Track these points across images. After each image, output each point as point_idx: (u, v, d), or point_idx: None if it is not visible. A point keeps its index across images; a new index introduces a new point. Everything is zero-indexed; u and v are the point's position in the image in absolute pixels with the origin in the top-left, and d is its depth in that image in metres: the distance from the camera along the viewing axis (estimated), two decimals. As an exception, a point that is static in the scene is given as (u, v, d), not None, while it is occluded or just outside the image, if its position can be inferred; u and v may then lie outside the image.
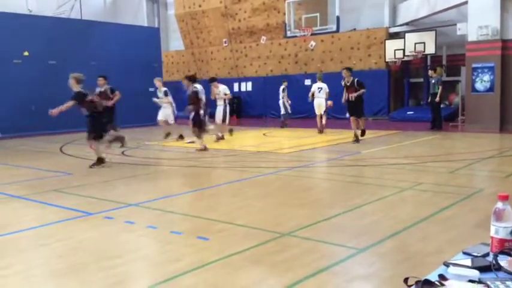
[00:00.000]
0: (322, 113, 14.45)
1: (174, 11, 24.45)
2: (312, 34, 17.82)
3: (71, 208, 5.73)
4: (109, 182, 7.71)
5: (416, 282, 1.49)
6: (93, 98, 8.75)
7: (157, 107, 13.55)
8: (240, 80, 22.88)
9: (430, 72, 15.02)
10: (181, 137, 13.00)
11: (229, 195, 6.58)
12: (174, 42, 25.70)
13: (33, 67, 16.21)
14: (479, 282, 1.48)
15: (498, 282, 1.46)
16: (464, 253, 1.79)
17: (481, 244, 1.84)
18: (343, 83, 11.90)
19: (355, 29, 19.40)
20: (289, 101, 16.73)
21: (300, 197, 6.19)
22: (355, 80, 11.62)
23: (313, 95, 14.50)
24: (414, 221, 4.80)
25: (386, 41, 18.05)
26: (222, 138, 13.09)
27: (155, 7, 25.45)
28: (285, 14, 18.65)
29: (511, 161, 8.95)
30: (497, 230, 1.70)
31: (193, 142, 11.43)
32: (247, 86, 22.71)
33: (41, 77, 16.14)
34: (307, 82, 19.40)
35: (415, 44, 17.05)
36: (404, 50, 17.32)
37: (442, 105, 15.32)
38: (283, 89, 16.67)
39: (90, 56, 17.61)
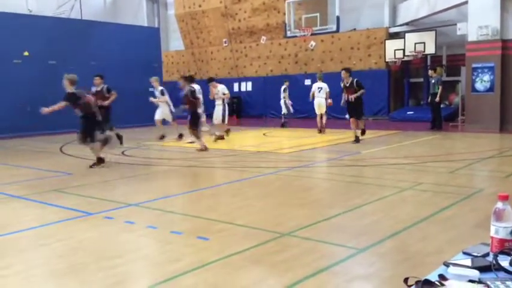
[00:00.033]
0: (323, 112, 14.45)
1: (174, 11, 24.45)
2: (312, 34, 17.82)
3: (71, 208, 5.73)
4: (109, 182, 7.71)
5: (416, 282, 1.49)
6: (88, 100, 8.65)
7: (156, 107, 13.54)
8: (240, 80, 22.88)
9: (430, 72, 15.02)
10: (180, 136, 12.98)
11: (229, 195, 6.58)
12: (174, 42, 25.70)
13: (33, 67, 16.21)
14: (479, 282, 1.48)
15: (498, 282, 1.46)
16: (464, 253, 1.79)
17: (481, 244, 1.84)
18: (342, 85, 11.87)
19: (355, 29, 19.40)
20: (290, 102, 16.75)
21: (300, 197, 6.19)
22: (354, 80, 11.58)
23: (313, 94, 14.51)
24: (414, 221, 4.80)
25: (387, 41, 18.05)
26: (222, 138, 13.09)
27: (155, 7, 25.45)
28: (285, 14, 18.65)
29: (511, 161, 8.95)
30: (497, 230, 1.70)
31: (193, 142, 11.43)
32: (247, 86, 22.71)
33: (41, 77, 16.13)
34: (307, 82, 19.41)
35: (415, 44, 17.05)
36: (404, 50, 17.32)
37: (442, 105, 15.33)
38: (285, 89, 16.68)
39: (90, 56, 17.62)
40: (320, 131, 14.43)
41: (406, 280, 1.53)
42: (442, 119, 14.77)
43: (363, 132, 11.89)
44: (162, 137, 13.00)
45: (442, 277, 1.52)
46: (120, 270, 3.74)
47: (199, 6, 23.16)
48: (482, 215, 4.72)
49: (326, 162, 9.70)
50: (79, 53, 17.49)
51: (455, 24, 14.99)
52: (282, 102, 16.78)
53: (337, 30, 17.22)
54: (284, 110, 16.78)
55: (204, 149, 10.73)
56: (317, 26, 17.30)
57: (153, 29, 22.67)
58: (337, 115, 17.35)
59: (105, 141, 9.06)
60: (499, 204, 1.70)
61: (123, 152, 11.03)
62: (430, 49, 16.91)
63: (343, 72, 11.79)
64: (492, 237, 1.72)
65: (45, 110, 8.42)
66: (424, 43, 16.90)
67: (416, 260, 3.74)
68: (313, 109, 14.79)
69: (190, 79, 13.09)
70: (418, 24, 17.81)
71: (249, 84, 22.63)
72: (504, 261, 1.59)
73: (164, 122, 13.59)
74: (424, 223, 4.76)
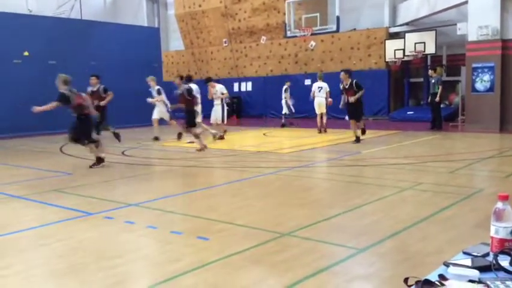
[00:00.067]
0: (323, 112, 14.46)
1: (174, 11, 24.45)
2: (312, 34, 17.82)
3: (71, 208, 5.73)
4: (109, 182, 7.71)
5: (416, 282, 1.49)
6: (78, 103, 8.58)
7: (154, 107, 13.51)
8: (240, 80, 22.88)
9: (430, 72, 15.02)
10: (179, 136, 12.96)
11: (229, 195, 6.58)
12: (174, 42, 25.71)
13: (33, 67, 16.20)
14: (479, 282, 1.48)
15: (498, 282, 1.46)
16: (464, 253, 1.79)
17: (481, 244, 1.84)
18: (341, 86, 11.83)
19: (355, 29, 19.40)
20: (291, 101, 16.74)
21: (300, 197, 6.19)
22: (354, 82, 11.55)
23: (314, 94, 14.52)
24: (414, 221, 4.80)
25: (387, 41, 18.05)
26: (223, 138, 13.09)
27: (155, 7, 25.45)
28: (285, 14, 18.65)
29: (511, 161, 8.95)
30: (497, 230, 1.70)
31: (192, 142, 11.43)
32: (247, 86, 22.71)
33: (41, 77, 16.11)
34: (307, 82, 19.41)
35: (415, 44, 17.05)
36: (404, 50, 17.32)
37: (442, 105, 15.33)
38: (286, 89, 16.67)
39: (90, 56, 17.61)
40: (320, 131, 14.43)
41: (406, 280, 1.53)
42: (442, 119, 14.77)
43: (363, 132, 11.87)
44: (156, 139, 12.90)
45: (442, 277, 1.52)
46: (120, 270, 3.74)
47: (199, 6, 23.16)
48: (482, 215, 4.72)
49: (326, 162, 9.70)
50: (79, 53, 17.48)
51: (455, 24, 14.99)
52: (283, 102, 16.78)
53: (337, 30, 17.22)
54: (285, 110, 16.79)
55: (204, 148, 10.73)
56: (317, 26, 17.30)
57: (153, 29, 22.66)
58: (337, 115, 17.36)
59: (96, 144, 9.02)
60: (499, 204, 1.70)
61: (123, 152, 11.03)
62: (430, 49, 16.91)
63: (342, 74, 11.74)
64: (492, 237, 1.72)
65: (37, 108, 8.42)
66: (424, 43, 16.90)
67: (416, 260, 3.74)
68: (313, 109, 14.80)
69: (188, 78, 13.11)
70: (418, 24, 17.81)
71: (249, 84, 22.63)
72: (504, 261, 1.59)
73: (162, 121, 13.55)
74: (424, 223, 4.76)
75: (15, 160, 10.53)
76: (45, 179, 7.98)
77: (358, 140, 11.53)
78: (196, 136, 10.83)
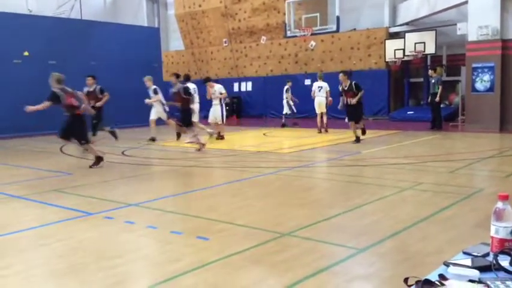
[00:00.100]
0: (323, 112, 14.46)
1: (174, 11, 24.45)
2: (312, 34, 17.82)
3: (71, 208, 5.73)
4: (109, 182, 7.71)
5: (417, 282, 1.49)
6: (69, 103, 8.53)
7: (151, 107, 13.45)
8: (240, 80, 22.89)
9: (430, 72, 15.02)
10: (178, 135, 12.95)
11: (229, 195, 6.58)
12: (174, 42, 25.70)
13: (33, 67, 16.19)
14: (479, 282, 1.48)
15: (498, 282, 1.46)
16: (465, 253, 1.79)
17: (481, 244, 1.84)
18: (340, 88, 11.81)
19: (355, 29, 19.40)
20: (294, 101, 16.71)
21: (300, 197, 6.19)
22: (353, 83, 11.53)
23: (314, 93, 14.53)
24: (414, 221, 4.80)
25: (387, 41, 18.05)
26: (222, 138, 13.09)
27: (155, 7, 25.45)
28: (285, 14, 18.65)
29: (511, 160, 8.95)
30: (497, 230, 1.70)
31: (192, 142, 11.43)
32: (247, 86, 22.72)
33: (41, 77, 16.05)
34: (307, 82, 19.42)
35: (415, 43, 17.05)
36: (404, 50, 17.32)
37: (442, 105, 15.33)
38: (287, 89, 16.66)
39: (90, 56, 17.61)
40: (320, 131, 14.44)
41: (406, 280, 1.53)
42: (442, 119, 14.77)
43: (363, 132, 11.86)
44: (153, 140, 12.87)
45: (442, 277, 1.52)
46: (120, 270, 3.74)
47: (199, 6, 23.16)
48: (482, 215, 4.72)
49: (326, 162, 9.70)
50: (79, 53, 17.48)
51: (455, 24, 15.00)
52: (284, 102, 16.76)
53: (337, 30, 17.23)
54: (286, 110, 16.76)
55: (202, 147, 10.72)
56: (317, 26, 17.30)
57: (153, 29, 22.66)
58: (337, 115, 17.36)
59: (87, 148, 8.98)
60: (499, 204, 1.70)
61: (123, 152, 11.03)
62: (430, 49, 16.91)
63: (341, 75, 11.72)
64: (492, 237, 1.72)
65: (30, 108, 8.43)
66: (424, 43, 16.90)
67: (416, 260, 3.74)
68: (313, 109, 14.80)
69: (186, 78, 13.11)
70: (418, 24, 17.81)
71: (249, 84, 22.63)
72: (504, 261, 1.59)
73: (160, 121, 13.47)
74: (424, 223, 4.76)
75: (15, 160, 10.53)
76: (45, 179, 7.98)
77: (358, 140, 11.53)
78: (194, 133, 10.81)
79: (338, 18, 16.59)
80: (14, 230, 4.94)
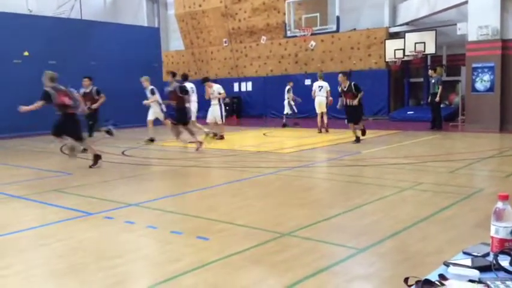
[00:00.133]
0: (324, 111, 14.45)
1: (174, 11, 24.45)
2: (312, 34, 17.82)
3: (71, 208, 5.73)
4: (109, 182, 7.71)
5: (417, 282, 1.49)
6: (64, 101, 8.48)
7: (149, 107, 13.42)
8: (240, 80, 22.89)
9: (430, 72, 15.02)
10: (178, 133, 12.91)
11: (229, 195, 6.58)
12: (174, 42, 25.71)
13: (33, 67, 16.15)
14: (479, 282, 1.48)
15: (498, 282, 1.46)
16: (465, 253, 1.79)
17: (481, 244, 1.84)
18: (339, 89, 11.79)
19: (355, 29, 19.40)
20: (297, 100, 16.66)
21: (300, 197, 6.19)
22: (352, 84, 11.52)
23: (314, 93, 14.53)
24: (414, 221, 4.80)
25: (387, 41, 18.05)
26: (222, 137, 13.09)
27: (155, 7, 25.45)
28: (285, 14, 18.66)
29: (511, 160, 8.95)
30: (497, 230, 1.70)
31: (192, 142, 11.42)
32: (247, 86, 22.72)
33: (41, 77, 16.06)
34: (307, 82, 19.42)
35: (415, 43, 17.05)
36: (404, 49, 17.32)
37: (442, 105, 15.33)
38: (288, 90, 16.64)
39: (90, 56, 17.61)
40: (320, 131, 14.44)
41: (406, 280, 1.53)
42: (442, 118, 14.77)
43: (363, 133, 11.83)
44: (152, 140, 12.85)
45: (442, 277, 1.52)
46: (120, 270, 3.74)
47: (199, 6, 23.16)
48: (483, 215, 4.72)
49: (326, 162, 9.70)
50: (79, 53, 17.48)
51: (455, 24, 15.00)
52: (285, 102, 16.74)
53: (337, 30, 17.23)
54: (287, 110, 16.74)
55: (200, 145, 10.71)
56: (317, 26, 17.30)
57: (153, 29, 22.66)
58: (337, 115, 17.37)
59: (72, 149, 8.87)
60: (499, 204, 1.70)
61: (123, 152, 11.03)
62: (430, 49, 16.91)
63: (340, 76, 11.70)
64: (492, 237, 1.72)
65: (23, 108, 8.42)
66: (424, 43, 16.90)
67: (416, 260, 3.74)
68: (313, 109, 14.80)
69: (183, 77, 13.10)
70: (418, 24, 17.81)
71: (249, 84, 22.63)
72: (504, 261, 1.59)
73: (157, 121, 13.42)
74: (424, 223, 4.76)
75: (15, 160, 10.53)
76: (45, 179, 7.98)
77: (358, 140, 11.52)
78: (191, 132, 10.76)
79: (338, 18, 16.59)
80: (14, 230, 4.94)
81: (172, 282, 3.45)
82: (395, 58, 17.74)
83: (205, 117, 13.54)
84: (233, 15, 22.38)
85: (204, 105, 14.10)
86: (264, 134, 14.82)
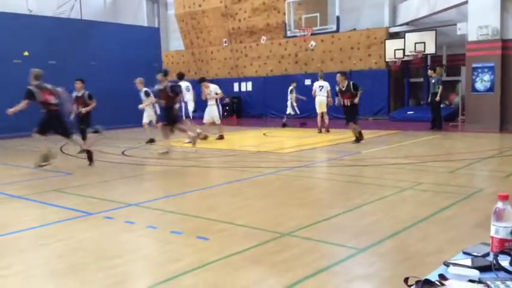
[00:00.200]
0: (324, 111, 14.45)
1: (174, 11, 24.45)
2: (312, 34, 17.82)
3: (71, 208, 5.73)
4: (109, 182, 7.71)
5: (417, 282, 1.49)
6: (44, 100, 8.46)
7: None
8: (240, 80, 22.89)
9: (429, 72, 15.02)
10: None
11: (229, 195, 6.58)
12: (174, 42, 25.71)
13: (33, 67, 16.12)
14: (480, 282, 1.48)
15: (498, 282, 1.46)
16: (465, 253, 1.79)
17: (481, 244, 1.84)
18: (337, 88, 11.77)
19: (355, 29, 19.40)
20: (301, 99, 16.60)
21: (300, 197, 6.19)
22: (351, 83, 11.50)
23: (315, 93, 14.53)
24: (414, 221, 4.80)
25: (387, 41, 18.05)
26: (222, 137, 13.08)
27: (155, 7, 25.45)
28: (285, 14, 18.65)
29: (511, 160, 8.95)
30: (497, 230, 1.70)
31: (190, 142, 11.40)
32: (247, 86, 22.72)
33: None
34: (307, 82, 19.42)
35: (415, 43, 17.05)
36: (404, 49, 17.32)
37: (442, 105, 15.33)
38: (291, 90, 16.61)
39: (90, 56, 17.61)
40: (320, 131, 14.44)
41: (406, 280, 1.53)
42: (442, 118, 14.77)
43: (360, 136, 11.49)
44: (151, 141, 12.81)
45: (442, 277, 1.52)
46: (120, 270, 3.74)
47: (199, 6, 23.16)
48: (483, 215, 4.72)
49: (326, 162, 9.70)
50: (79, 53, 17.48)
51: (455, 24, 15.00)
52: (288, 103, 16.71)
53: (337, 30, 17.22)
54: (289, 111, 16.71)
55: (193, 142, 10.65)
56: (317, 26, 17.30)
57: (153, 29, 22.67)
58: (337, 115, 17.37)
59: (45, 158, 8.72)
60: (499, 204, 1.70)
61: (123, 152, 11.03)
62: (430, 49, 16.91)
63: (338, 76, 11.68)
64: (492, 237, 1.72)
65: (11, 110, 8.45)
66: (424, 43, 16.90)
67: (416, 260, 3.74)
68: (314, 109, 14.79)
69: (179, 76, 13.06)
70: (418, 24, 17.81)
71: (249, 84, 22.63)
72: (504, 261, 1.59)
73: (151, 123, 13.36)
74: (424, 223, 4.76)
75: (15, 160, 10.53)
76: (45, 179, 7.98)
77: (358, 140, 11.52)
78: (165, 135, 10.61)
79: (338, 18, 16.59)
80: (14, 230, 4.94)
81: (172, 282, 3.45)
82: (395, 58, 17.74)
83: (201, 117, 13.53)
84: (233, 15, 22.38)
85: (203, 105, 14.07)
86: (264, 134, 14.82)
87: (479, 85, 13.96)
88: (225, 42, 23.00)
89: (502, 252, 1.65)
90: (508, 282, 1.46)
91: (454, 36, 15.44)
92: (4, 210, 5.94)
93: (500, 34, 13.54)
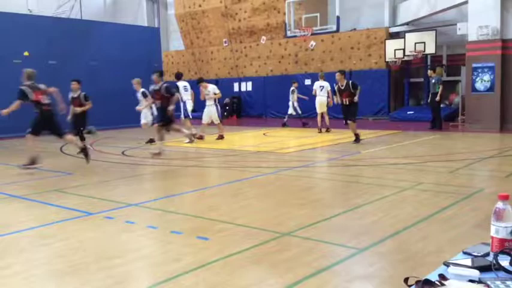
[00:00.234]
0: (324, 111, 14.44)
1: (174, 11, 24.45)
2: (312, 34, 17.82)
3: (72, 208, 5.73)
4: (109, 182, 7.71)
5: (417, 282, 1.49)
6: (37, 99, 8.44)
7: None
8: (240, 80, 22.89)
9: (429, 72, 15.02)
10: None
11: (229, 195, 6.58)
12: (174, 42, 25.71)
13: (33, 67, 15.97)
14: (480, 282, 1.48)
15: (498, 282, 1.46)
16: (465, 253, 1.79)
17: (481, 244, 1.84)
18: (336, 87, 11.77)
19: (355, 29, 19.40)
20: (303, 99, 16.57)
21: (300, 197, 6.19)
22: (350, 82, 11.50)
23: (315, 93, 14.53)
24: (414, 221, 4.80)
25: (387, 41, 18.04)
26: (222, 137, 13.08)
27: (155, 7, 25.46)
28: (285, 14, 18.66)
29: (511, 160, 8.95)
30: (497, 230, 1.70)
31: (190, 142, 11.40)
32: (247, 86, 22.72)
33: (41, 77, 16.03)
34: (307, 82, 19.42)
35: (415, 43, 17.04)
36: (404, 49, 17.31)
37: (442, 105, 15.33)
38: (293, 91, 16.59)
39: (90, 56, 17.62)
40: (320, 131, 14.43)
41: (406, 280, 1.53)
42: (442, 118, 14.77)
43: (357, 138, 11.42)
44: (152, 141, 12.79)
45: (442, 277, 1.52)
46: (120, 270, 3.74)
47: (199, 6, 23.16)
48: (483, 215, 4.72)
49: (326, 162, 9.70)
50: (79, 53, 17.49)
51: (455, 24, 15.00)
52: (290, 103, 16.69)
53: (337, 30, 17.22)
54: (291, 111, 16.69)
55: (191, 141, 10.63)
56: (317, 26, 17.30)
57: (153, 29, 22.68)
58: (337, 115, 17.37)
59: (33, 161, 8.65)
60: (499, 204, 1.70)
61: (123, 152, 11.03)
62: (430, 49, 16.91)
63: (337, 75, 11.66)
64: (492, 237, 1.72)
65: (4, 111, 8.44)
66: (424, 43, 16.89)
67: (416, 260, 3.75)
68: (314, 109, 14.78)
69: (177, 76, 13.04)
70: (418, 24, 17.81)
71: (249, 84, 22.63)
72: (504, 261, 1.59)
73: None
74: (424, 223, 4.76)
75: (15, 160, 10.52)
76: (46, 179, 7.98)
77: (357, 139, 11.51)
78: (160, 137, 10.56)
79: (338, 18, 16.59)
80: (14, 230, 4.94)
81: (172, 282, 3.46)
82: (395, 58, 17.73)
83: (201, 117, 13.53)
84: (233, 15, 22.38)
85: (203, 105, 14.05)
86: (264, 134, 14.82)
87: (479, 85, 13.96)
88: (225, 42, 23.00)
89: (502, 252, 1.65)
90: (508, 282, 1.46)
91: (454, 36, 15.45)
92: (4, 210, 5.94)
93: (500, 34, 13.54)
